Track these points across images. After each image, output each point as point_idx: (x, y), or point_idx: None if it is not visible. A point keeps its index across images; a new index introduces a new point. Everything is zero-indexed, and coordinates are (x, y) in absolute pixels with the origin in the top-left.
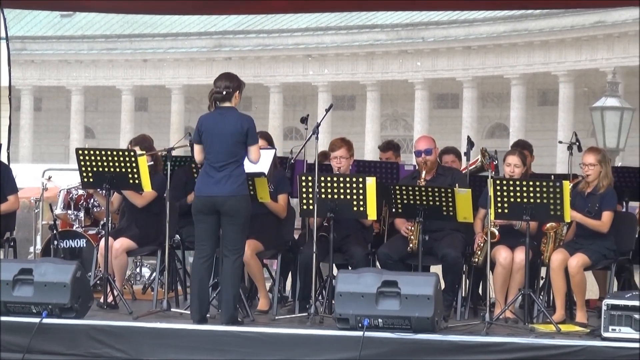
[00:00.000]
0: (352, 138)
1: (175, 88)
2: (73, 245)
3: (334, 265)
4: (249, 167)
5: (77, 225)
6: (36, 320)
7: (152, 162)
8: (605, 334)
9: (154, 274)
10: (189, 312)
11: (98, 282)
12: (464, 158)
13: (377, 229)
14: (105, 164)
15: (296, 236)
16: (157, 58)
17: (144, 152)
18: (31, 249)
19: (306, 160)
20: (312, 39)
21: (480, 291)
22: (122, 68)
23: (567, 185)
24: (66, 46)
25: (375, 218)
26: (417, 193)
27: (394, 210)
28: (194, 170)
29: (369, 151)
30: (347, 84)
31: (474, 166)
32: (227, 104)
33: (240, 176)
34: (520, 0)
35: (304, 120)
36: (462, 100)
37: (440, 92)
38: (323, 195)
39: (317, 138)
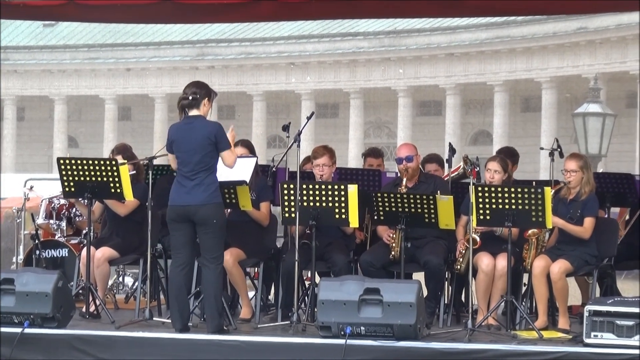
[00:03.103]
0: (335, 145)
1: (158, 97)
2: (55, 255)
3: (316, 273)
4: (230, 175)
5: (59, 235)
6: (18, 330)
7: (134, 171)
8: (588, 340)
9: (137, 283)
10: (171, 322)
11: (80, 291)
12: (446, 165)
13: (360, 238)
14: (86, 173)
15: (278, 244)
16: (140, 67)
17: (126, 161)
18: (14, 259)
19: (288, 168)
20: (294, 47)
21: (462, 298)
22: (105, 77)
23: (549, 192)
24: (49, 56)
25: (357, 225)
26: (398, 200)
27: (376, 217)
28: None
29: (353, 158)
30: (330, 92)
31: (456, 173)
32: (195, 112)
33: (211, 184)
34: (513, 6)
35: (285, 128)
36: (445, 107)
37: (423, 99)
38: (305, 203)
39: (298, 146)
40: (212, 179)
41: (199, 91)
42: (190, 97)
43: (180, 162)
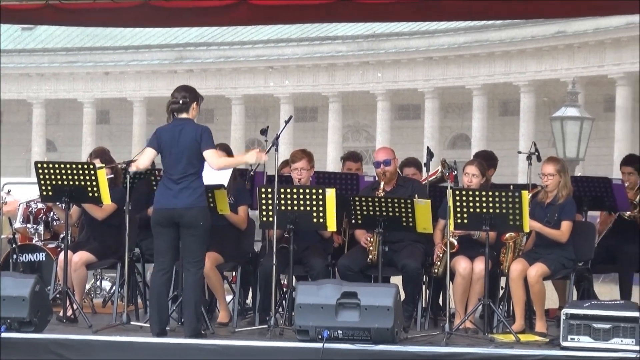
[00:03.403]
0: (314, 149)
1: (137, 100)
2: (32, 259)
3: (294, 277)
4: (208, 179)
5: (36, 239)
6: None
7: (112, 175)
8: (564, 344)
9: (114, 287)
10: (148, 326)
11: (57, 295)
12: (424, 169)
13: (338, 242)
14: (64, 177)
15: (256, 248)
16: (119, 71)
17: (104, 165)
18: None
19: (266, 172)
20: (273, 51)
21: (440, 302)
22: (83, 81)
23: (526, 195)
24: (27, 59)
25: (334, 229)
26: (376, 204)
27: (353, 221)
28: (154, 182)
29: (331, 162)
30: (309, 96)
31: (434, 177)
32: (184, 115)
33: (198, 188)
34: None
35: (263, 132)
36: (423, 111)
37: (402, 103)
38: (283, 207)
39: (277, 150)
40: (199, 182)
41: (189, 95)
42: (180, 101)
43: (167, 165)
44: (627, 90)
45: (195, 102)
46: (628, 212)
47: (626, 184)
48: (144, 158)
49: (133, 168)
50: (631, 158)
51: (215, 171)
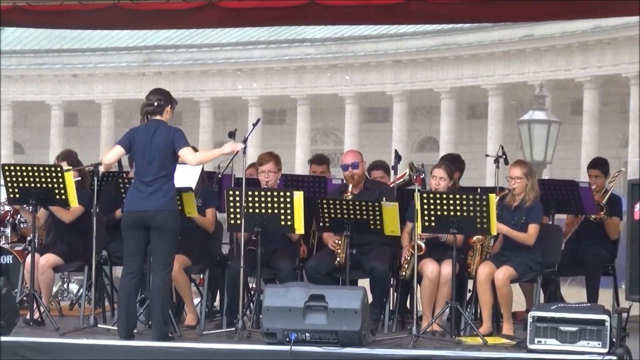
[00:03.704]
0: (282, 152)
1: (105, 103)
2: None
3: (261, 279)
4: (176, 181)
5: (3, 242)
6: None
7: (79, 178)
8: (531, 346)
9: (82, 290)
10: (116, 328)
11: (24, 298)
12: (392, 172)
13: (303, 255)
14: (31, 179)
15: (224, 251)
16: (87, 73)
17: (71, 167)
18: None
19: (234, 175)
20: (241, 54)
21: (407, 304)
22: (51, 83)
23: (493, 198)
24: None
25: (302, 232)
26: (344, 207)
27: (321, 224)
28: (121, 185)
29: (299, 165)
30: (277, 98)
31: (401, 180)
32: (158, 118)
33: (169, 191)
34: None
35: (232, 134)
36: (392, 114)
37: (370, 106)
38: (250, 210)
39: (244, 152)
40: (171, 185)
41: (164, 98)
42: (155, 104)
43: (138, 167)
44: (594, 94)
45: (169, 106)
46: (594, 215)
47: (593, 187)
48: (111, 153)
49: (102, 169)
50: (598, 161)
51: (183, 174)
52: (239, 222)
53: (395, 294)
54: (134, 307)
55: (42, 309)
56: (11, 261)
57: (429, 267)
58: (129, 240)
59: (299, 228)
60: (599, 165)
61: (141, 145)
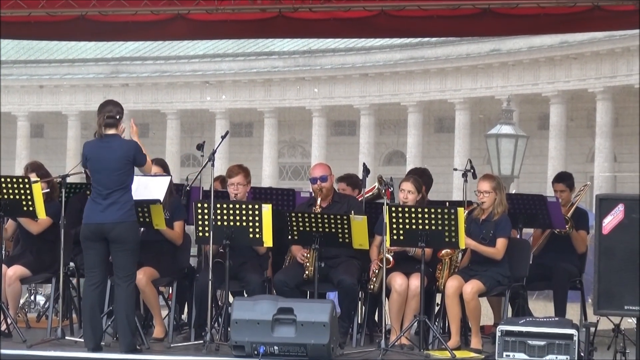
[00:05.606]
0: (249, 164)
1: (72, 114)
2: None
3: (229, 292)
4: (143, 194)
5: None
6: None
7: (48, 190)
8: None
9: (49, 302)
10: (83, 340)
11: None
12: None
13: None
14: None
15: (192, 263)
16: (54, 84)
17: (39, 179)
18: None
19: (202, 187)
20: (209, 66)
21: (376, 318)
22: (17, 94)
23: (462, 212)
24: None
25: (271, 245)
26: (312, 220)
27: (290, 237)
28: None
29: (267, 177)
30: (245, 111)
31: (370, 193)
32: (112, 131)
33: (127, 203)
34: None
35: (200, 147)
36: (359, 127)
37: (338, 119)
38: (219, 223)
39: (213, 165)
40: (128, 197)
41: (120, 110)
42: (117, 116)
43: (95, 181)
44: (561, 109)
45: (122, 118)
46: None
47: (559, 201)
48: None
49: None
50: (563, 175)
51: (151, 186)
52: (207, 234)
53: (363, 307)
54: (98, 318)
55: (9, 321)
56: None
57: (398, 280)
58: (88, 252)
59: (268, 241)
60: (563, 179)
61: (96, 159)
